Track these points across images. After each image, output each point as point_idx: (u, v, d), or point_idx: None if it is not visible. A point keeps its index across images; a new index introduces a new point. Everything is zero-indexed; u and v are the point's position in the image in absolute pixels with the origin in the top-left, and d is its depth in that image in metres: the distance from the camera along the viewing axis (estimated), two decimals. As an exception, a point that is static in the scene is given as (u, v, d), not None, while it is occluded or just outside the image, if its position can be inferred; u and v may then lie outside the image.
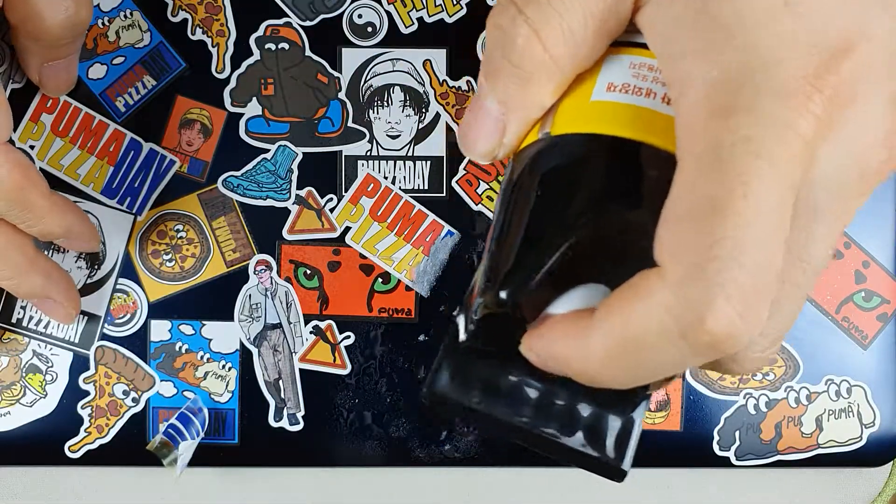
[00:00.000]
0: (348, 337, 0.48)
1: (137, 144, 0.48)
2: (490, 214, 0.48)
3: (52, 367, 0.48)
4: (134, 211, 0.48)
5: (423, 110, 0.48)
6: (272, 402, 0.48)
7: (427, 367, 0.48)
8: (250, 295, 0.48)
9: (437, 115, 0.48)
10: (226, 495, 0.49)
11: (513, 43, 0.28)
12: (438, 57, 0.48)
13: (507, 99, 0.30)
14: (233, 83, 0.48)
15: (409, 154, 0.48)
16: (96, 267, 0.48)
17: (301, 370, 0.48)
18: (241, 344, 0.48)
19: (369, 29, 0.48)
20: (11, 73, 0.47)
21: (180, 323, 0.48)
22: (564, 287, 0.29)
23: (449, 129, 0.48)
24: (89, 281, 0.48)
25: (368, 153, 0.48)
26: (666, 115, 0.28)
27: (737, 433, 0.48)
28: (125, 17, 0.48)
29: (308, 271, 0.48)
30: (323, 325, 0.48)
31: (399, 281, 0.48)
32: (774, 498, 0.50)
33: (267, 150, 0.48)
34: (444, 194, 0.48)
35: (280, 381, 0.48)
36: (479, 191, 0.48)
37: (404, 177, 0.48)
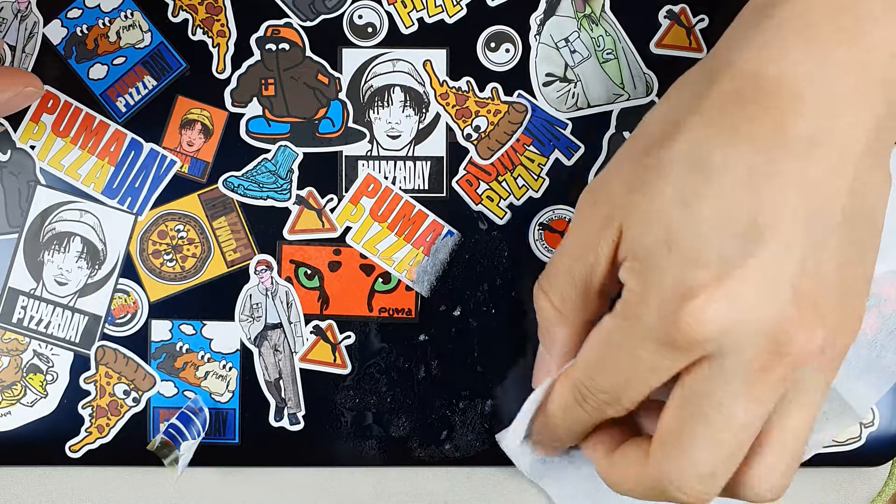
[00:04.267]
0: (349, 337, 0.48)
1: (138, 145, 0.48)
2: (490, 214, 0.48)
3: (52, 366, 0.48)
4: (135, 211, 0.48)
5: (424, 111, 0.48)
6: (273, 402, 0.48)
7: (427, 367, 0.48)
8: (251, 295, 0.48)
9: (438, 116, 0.48)
10: (226, 495, 0.49)
11: (541, 308, 0.43)
12: (438, 57, 0.48)
13: (542, 340, 0.44)
14: (233, 83, 0.48)
15: (410, 154, 0.48)
16: (97, 267, 0.48)
17: (301, 370, 0.48)
18: (242, 344, 0.48)
19: (369, 29, 0.48)
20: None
21: (181, 323, 0.48)
22: None
23: (449, 130, 0.48)
24: (90, 281, 0.48)
25: (369, 153, 0.48)
26: None
27: None
28: (126, 17, 0.48)
29: (308, 271, 0.48)
30: (323, 324, 0.48)
31: (399, 281, 0.48)
32: (774, 497, 0.50)
33: (267, 151, 0.48)
34: (444, 194, 0.48)
35: (280, 381, 0.48)
36: (479, 191, 0.48)
37: (404, 177, 0.48)
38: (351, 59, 0.48)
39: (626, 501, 0.46)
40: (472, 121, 0.48)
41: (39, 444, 0.48)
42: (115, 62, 0.48)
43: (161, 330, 0.48)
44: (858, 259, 0.38)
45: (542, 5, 0.48)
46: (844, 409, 0.47)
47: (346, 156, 0.48)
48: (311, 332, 0.48)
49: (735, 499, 0.40)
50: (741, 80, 0.38)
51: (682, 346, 0.36)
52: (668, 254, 0.36)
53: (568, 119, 0.48)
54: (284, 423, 0.48)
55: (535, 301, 0.43)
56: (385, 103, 0.48)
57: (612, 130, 0.48)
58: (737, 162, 0.36)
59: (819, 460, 0.49)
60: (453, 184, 0.48)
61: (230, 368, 0.48)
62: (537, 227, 0.48)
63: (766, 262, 0.36)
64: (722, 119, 0.37)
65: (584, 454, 0.44)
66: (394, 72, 0.48)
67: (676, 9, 0.48)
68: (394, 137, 0.48)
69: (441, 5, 0.48)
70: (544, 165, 0.48)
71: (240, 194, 0.48)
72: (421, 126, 0.48)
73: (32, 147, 0.48)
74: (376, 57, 0.48)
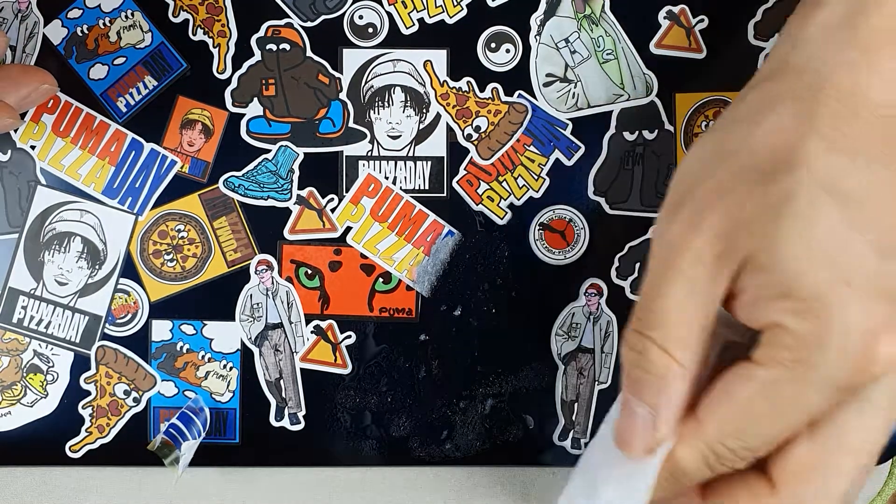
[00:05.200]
0: (349, 336, 0.48)
1: (139, 145, 0.48)
2: (490, 214, 0.48)
3: (52, 366, 0.48)
4: (135, 211, 0.48)
5: (424, 111, 0.48)
6: (273, 402, 0.48)
7: (427, 367, 0.48)
8: (251, 295, 0.48)
9: (438, 116, 0.48)
10: (227, 495, 0.49)
11: (648, 360, 0.36)
12: (439, 57, 0.48)
13: (654, 402, 0.36)
14: (234, 84, 0.48)
15: (410, 154, 0.48)
16: (97, 267, 0.48)
17: (302, 370, 0.48)
18: (243, 344, 0.48)
19: (370, 30, 0.48)
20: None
21: (181, 323, 0.48)
22: None
23: (449, 130, 0.48)
24: (90, 281, 0.48)
25: (369, 153, 0.48)
26: None
27: (637, 264, 0.49)
28: (126, 17, 0.48)
29: (309, 271, 0.48)
30: (324, 324, 0.48)
31: (400, 281, 0.48)
32: (773, 497, 0.50)
33: (268, 151, 0.48)
34: (444, 194, 0.48)
35: (281, 381, 0.48)
36: (480, 191, 0.48)
37: (405, 177, 0.48)
38: (351, 59, 0.48)
39: None
40: (473, 121, 0.48)
41: (40, 444, 0.48)
42: (115, 62, 0.48)
43: (161, 330, 0.48)
44: None
45: (543, 6, 0.48)
46: None
47: (346, 156, 0.48)
48: (312, 332, 0.48)
49: None
50: (841, 95, 0.36)
51: (861, 385, 0.34)
52: (847, 290, 0.34)
53: (568, 119, 0.48)
54: (285, 422, 0.48)
55: (635, 354, 0.37)
56: (385, 103, 0.48)
57: (612, 130, 0.48)
58: (881, 183, 0.34)
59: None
60: (454, 184, 0.48)
61: (231, 368, 0.48)
62: (538, 227, 0.48)
63: None
64: (838, 137, 0.35)
65: None
66: (394, 72, 0.48)
67: (676, 9, 0.48)
68: (394, 137, 0.48)
69: (441, 6, 0.48)
70: (545, 165, 0.48)
71: (240, 194, 0.48)
72: (421, 126, 0.48)
73: (33, 147, 0.48)
74: (377, 57, 0.48)
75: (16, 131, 0.48)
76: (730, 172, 0.36)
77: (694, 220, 0.36)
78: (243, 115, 0.48)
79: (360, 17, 0.48)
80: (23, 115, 0.47)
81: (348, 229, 0.48)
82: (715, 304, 0.36)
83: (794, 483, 0.36)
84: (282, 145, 0.48)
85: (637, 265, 0.48)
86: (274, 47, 0.48)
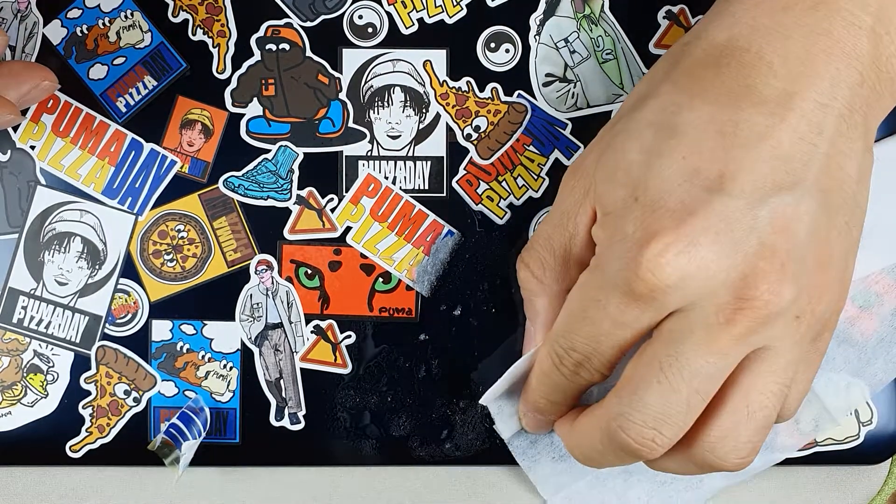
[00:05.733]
0: (349, 336, 0.48)
1: (138, 145, 0.48)
2: (490, 214, 0.48)
3: (53, 367, 0.48)
4: (135, 211, 0.48)
5: (424, 111, 0.48)
6: (273, 402, 0.48)
7: (427, 366, 0.48)
8: (251, 295, 0.48)
9: (438, 116, 0.48)
10: (227, 495, 0.49)
11: (518, 273, 0.44)
12: (438, 57, 0.48)
13: (527, 313, 0.44)
14: (234, 83, 0.48)
15: (410, 154, 0.48)
16: (97, 267, 0.48)
17: (302, 369, 0.48)
18: (243, 343, 0.48)
19: (370, 30, 0.48)
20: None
21: (181, 323, 0.48)
22: None
23: (449, 130, 0.48)
24: (90, 281, 0.48)
25: (369, 153, 0.48)
26: None
27: None
28: (126, 17, 0.48)
29: (309, 271, 0.48)
30: (324, 324, 0.48)
31: (400, 280, 0.48)
32: (773, 496, 0.50)
33: (268, 151, 0.48)
34: (444, 194, 0.48)
35: (281, 381, 0.48)
36: (480, 191, 0.48)
37: (405, 177, 0.48)
38: (351, 59, 0.48)
39: (594, 474, 0.48)
40: (472, 121, 0.48)
41: (40, 444, 0.48)
42: (115, 62, 0.48)
43: (162, 330, 0.48)
44: (837, 229, 0.38)
45: (542, 6, 0.48)
46: (822, 414, 0.48)
47: (346, 156, 0.48)
48: (312, 332, 0.48)
49: (700, 466, 0.39)
50: (710, 49, 0.39)
51: (644, 293, 0.36)
52: (634, 203, 0.37)
53: (568, 119, 0.48)
54: (285, 422, 0.48)
55: (517, 274, 0.44)
56: (385, 103, 0.48)
57: (611, 130, 0.48)
58: (704, 120, 0.37)
59: (818, 458, 0.49)
60: (453, 184, 0.48)
61: (231, 368, 0.48)
62: (537, 227, 0.48)
63: (729, 210, 0.36)
64: (691, 84, 0.38)
65: (555, 431, 0.44)
66: (394, 72, 0.48)
67: (675, 9, 0.49)
68: (394, 137, 0.48)
69: (441, 6, 0.48)
70: (544, 165, 0.48)
71: (240, 194, 0.48)
72: (421, 126, 0.48)
73: (32, 147, 0.48)
74: (376, 57, 0.48)
75: (15, 130, 0.48)
76: (607, 124, 0.42)
77: (575, 165, 0.42)
78: (243, 115, 0.48)
79: (360, 17, 0.48)
80: (24, 112, 0.47)
81: (348, 229, 0.48)
82: (577, 235, 0.41)
83: (614, 395, 0.39)
84: (281, 145, 0.48)
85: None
86: (273, 47, 0.48)
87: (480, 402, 0.45)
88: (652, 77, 0.41)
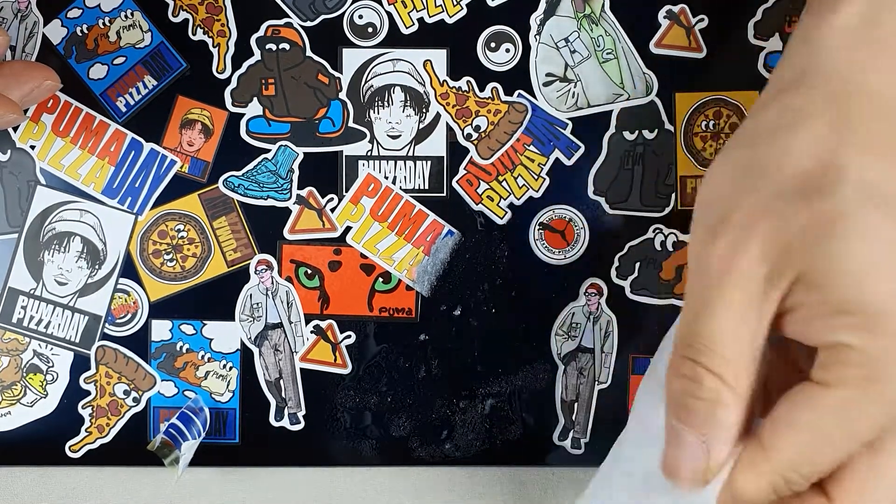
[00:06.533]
0: (349, 336, 0.48)
1: (138, 144, 0.48)
2: (490, 213, 0.48)
3: (52, 366, 0.48)
4: (135, 211, 0.48)
5: (424, 110, 0.48)
6: (273, 402, 0.48)
7: (427, 366, 0.48)
8: (251, 294, 0.48)
9: (438, 116, 0.48)
10: (226, 495, 0.49)
11: (702, 387, 0.35)
12: (439, 57, 0.48)
13: (708, 431, 0.35)
14: (234, 83, 0.48)
15: (410, 154, 0.48)
16: (97, 267, 0.48)
17: (302, 369, 0.48)
18: (242, 343, 0.48)
19: (370, 29, 0.48)
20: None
21: (181, 322, 0.48)
22: None
23: (449, 129, 0.48)
24: (90, 281, 0.48)
25: (369, 153, 0.48)
26: None
27: (637, 264, 0.49)
28: (126, 17, 0.48)
29: (309, 271, 0.48)
30: (324, 324, 0.48)
31: (400, 280, 0.48)
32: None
33: (268, 150, 0.48)
34: (444, 194, 0.48)
35: (281, 381, 0.48)
36: (480, 190, 0.48)
37: (405, 177, 0.48)
38: (351, 58, 0.48)
39: None
40: (473, 120, 0.48)
41: (39, 444, 0.48)
42: (115, 62, 0.48)
43: (161, 330, 0.48)
44: None
45: (542, 5, 0.48)
46: None
47: (346, 156, 0.48)
48: (312, 332, 0.48)
49: None
50: (877, 102, 0.35)
51: None
52: None
53: (568, 119, 0.48)
54: (285, 422, 0.48)
55: (686, 382, 0.36)
56: (385, 103, 0.48)
57: (612, 130, 0.48)
58: None
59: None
60: (453, 183, 0.48)
61: (230, 368, 0.48)
62: (537, 227, 0.48)
63: None
64: (878, 145, 0.34)
65: None
66: (394, 72, 0.48)
67: (676, 9, 0.48)
68: (394, 137, 0.48)
69: (441, 5, 0.48)
70: (544, 165, 0.48)
71: (240, 194, 0.48)
72: (421, 126, 0.48)
73: (32, 147, 0.48)
74: (376, 57, 0.48)
75: (15, 130, 0.48)
76: (770, 190, 0.35)
77: (738, 240, 0.35)
78: (243, 114, 0.48)
79: (360, 17, 0.48)
80: (25, 111, 0.47)
81: (348, 229, 0.48)
82: (766, 327, 0.35)
83: (854, 497, 0.35)
84: (281, 145, 0.48)
85: (637, 265, 0.48)
86: (274, 47, 0.48)
87: None
88: (819, 136, 0.35)
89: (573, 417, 0.49)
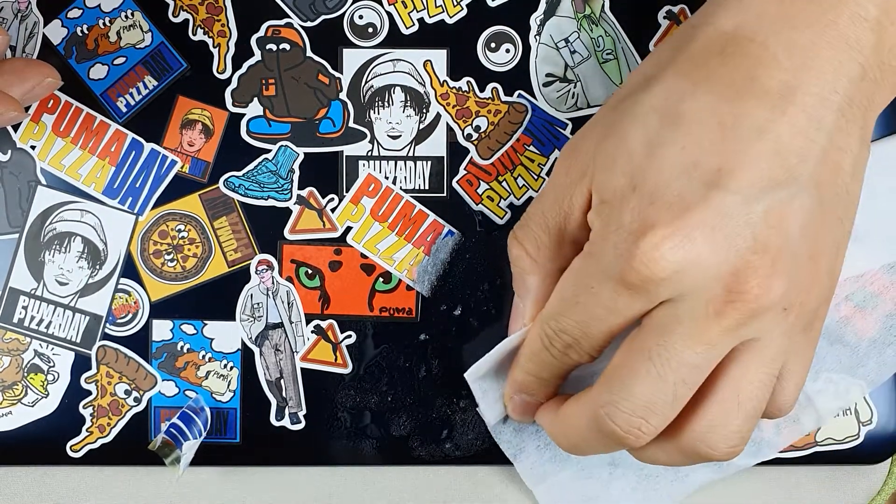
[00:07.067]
0: (349, 336, 0.48)
1: (139, 145, 0.48)
2: (490, 214, 0.48)
3: (53, 366, 0.48)
4: (135, 211, 0.48)
5: (424, 111, 0.48)
6: (274, 402, 0.48)
7: (427, 366, 0.48)
8: (252, 294, 0.48)
9: (438, 116, 0.48)
10: (227, 494, 0.49)
11: (510, 250, 0.44)
12: (439, 57, 0.48)
13: (516, 290, 0.44)
14: (234, 83, 0.48)
15: (410, 154, 0.48)
16: (98, 267, 0.48)
17: (302, 369, 0.48)
18: (243, 343, 0.48)
19: (370, 30, 0.48)
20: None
21: (182, 322, 0.48)
22: None
23: (449, 130, 0.48)
24: (91, 281, 0.48)
25: (369, 153, 0.48)
26: None
27: None
28: (126, 17, 0.48)
29: (309, 271, 0.48)
30: (324, 324, 0.48)
31: (400, 280, 0.48)
32: (773, 496, 0.50)
33: (268, 151, 0.48)
34: (444, 194, 0.48)
35: (281, 381, 0.48)
36: (480, 191, 0.48)
37: (405, 177, 0.48)
38: (351, 59, 0.48)
39: (579, 465, 0.48)
40: (473, 121, 0.48)
41: (40, 444, 0.48)
42: (115, 62, 0.48)
43: (162, 329, 0.48)
44: (829, 223, 0.38)
45: (542, 6, 0.48)
46: (807, 411, 0.48)
47: (346, 156, 0.48)
48: (312, 332, 0.48)
49: (689, 456, 0.40)
50: (717, 36, 0.39)
51: (636, 284, 0.37)
52: (631, 194, 0.37)
53: (568, 119, 0.48)
54: (285, 422, 0.48)
55: (509, 251, 0.44)
56: (385, 103, 0.48)
57: (611, 130, 0.48)
58: (706, 111, 0.37)
59: (818, 458, 0.49)
60: (454, 184, 0.48)
61: (231, 368, 0.48)
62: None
63: (725, 206, 0.36)
64: (695, 71, 0.38)
65: (537, 420, 0.44)
66: (394, 72, 0.48)
67: (676, 9, 0.49)
68: (394, 137, 0.48)
69: (441, 5, 0.48)
70: (544, 165, 0.48)
71: (241, 194, 0.48)
72: (421, 126, 0.48)
73: (33, 147, 0.48)
74: (377, 57, 0.48)
75: (16, 130, 0.48)
76: (606, 103, 0.41)
77: (573, 143, 0.41)
78: (243, 114, 0.48)
79: (360, 17, 0.48)
80: (26, 109, 0.47)
81: (348, 229, 0.48)
82: (572, 215, 0.40)
83: (601, 383, 0.39)
84: (282, 145, 0.48)
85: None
86: (274, 47, 0.48)
87: (465, 375, 0.45)
88: (657, 59, 0.40)
89: (573, 417, 0.49)
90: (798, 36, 0.37)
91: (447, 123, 0.48)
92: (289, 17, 0.48)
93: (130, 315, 0.48)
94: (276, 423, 0.48)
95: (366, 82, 0.48)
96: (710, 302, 0.36)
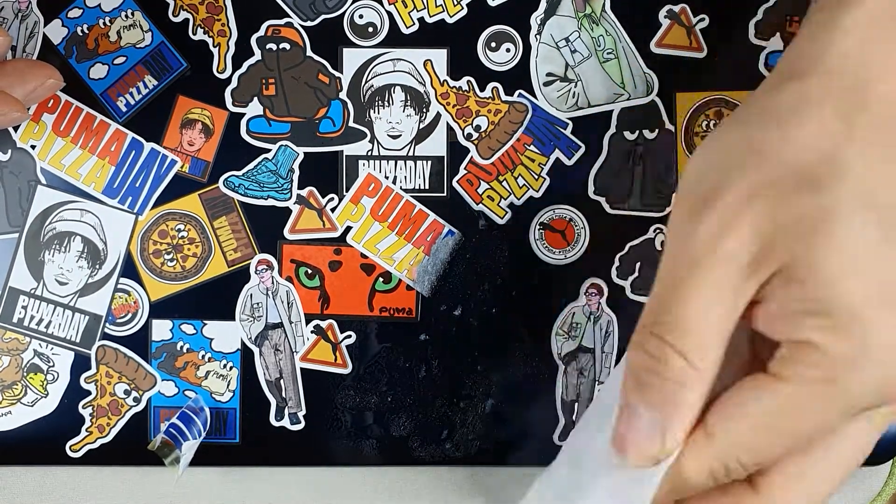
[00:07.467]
0: (349, 336, 0.48)
1: (139, 144, 0.48)
2: (490, 213, 0.48)
3: (53, 366, 0.48)
4: (135, 211, 0.48)
5: (424, 110, 0.48)
6: (273, 402, 0.48)
7: (427, 366, 0.48)
8: (251, 294, 0.48)
9: (438, 115, 0.48)
10: (227, 494, 0.49)
11: (666, 366, 0.34)
12: (439, 57, 0.48)
13: (666, 411, 0.34)
14: (234, 83, 0.48)
15: (410, 154, 0.48)
16: (98, 266, 0.48)
17: (302, 369, 0.48)
18: (243, 343, 0.48)
19: (370, 29, 0.48)
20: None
21: (182, 322, 0.48)
22: None
23: (449, 129, 0.48)
24: (90, 280, 0.48)
25: (369, 153, 0.48)
26: None
27: (637, 264, 0.49)
28: (126, 17, 0.48)
29: (309, 271, 0.48)
30: (324, 324, 0.48)
31: (400, 280, 0.48)
32: (774, 497, 0.50)
33: (268, 150, 0.48)
34: (444, 194, 0.48)
35: (281, 381, 0.48)
36: (480, 190, 0.48)
37: (405, 177, 0.48)
38: (351, 58, 0.48)
39: None
40: (473, 120, 0.48)
41: (40, 444, 0.48)
42: (115, 62, 0.48)
43: (162, 329, 0.48)
44: None
45: (543, 5, 0.48)
46: None
47: (346, 155, 0.48)
48: (312, 332, 0.48)
49: None
50: (890, 106, 0.34)
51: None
52: (888, 313, 0.32)
53: (568, 119, 0.48)
54: (285, 422, 0.48)
55: (648, 358, 0.35)
56: (386, 103, 0.48)
57: (612, 130, 0.48)
58: None
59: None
60: (454, 183, 0.48)
61: (231, 368, 0.48)
62: (538, 227, 0.48)
63: None
64: (887, 150, 0.33)
65: None
66: (394, 71, 0.48)
67: (677, 8, 0.48)
68: (394, 137, 0.48)
69: (441, 5, 0.48)
70: (545, 165, 0.48)
71: (240, 194, 0.48)
72: (421, 126, 0.48)
73: (33, 147, 0.48)
74: (377, 57, 0.48)
75: (16, 130, 0.48)
76: (766, 174, 0.34)
77: (727, 219, 0.33)
78: (243, 114, 0.48)
79: (360, 17, 0.48)
80: (27, 110, 0.47)
81: (348, 229, 0.48)
82: (739, 312, 0.34)
83: (780, 491, 0.36)
84: (282, 145, 0.48)
85: (638, 265, 0.48)
86: (274, 47, 0.48)
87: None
88: (819, 131, 0.34)
89: (573, 417, 0.49)
90: None
91: (447, 123, 0.48)
92: (289, 16, 0.48)
93: (130, 315, 0.48)
94: (275, 424, 0.48)
95: (366, 82, 0.48)
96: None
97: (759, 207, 0.33)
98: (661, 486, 0.35)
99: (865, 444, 0.36)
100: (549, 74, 0.48)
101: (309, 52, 0.48)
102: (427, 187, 0.48)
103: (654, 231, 0.48)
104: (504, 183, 0.48)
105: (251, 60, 0.48)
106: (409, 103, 0.48)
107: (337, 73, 0.48)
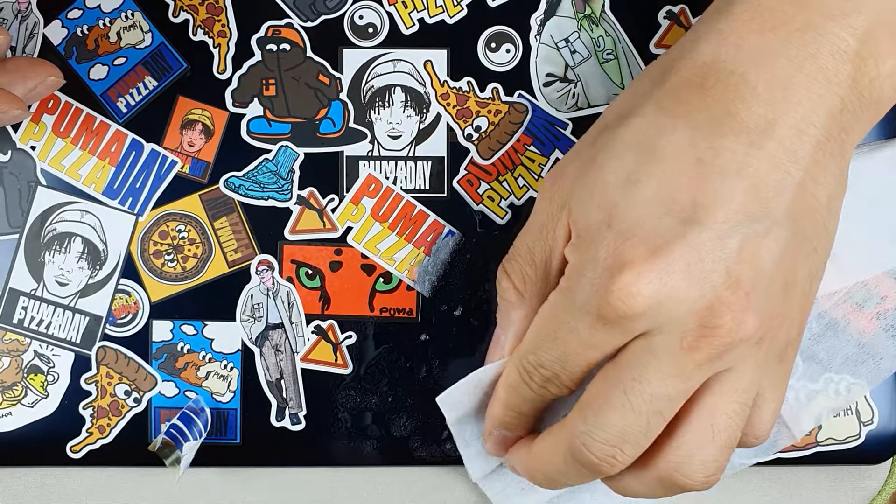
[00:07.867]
0: (350, 336, 0.48)
1: (139, 145, 0.48)
2: (490, 214, 0.48)
3: (53, 367, 0.48)
4: (136, 211, 0.48)
5: (424, 111, 0.48)
6: (274, 402, 0.48)
7: (428, 367, 0.48)
8: (252, 295, 0.48)
9: (438, 116, 0.48)
10: (227, 495, 0.49)
11: (499, 283, 0.43)
12: (439, 58, 0.48)
13: (500, 321, 0.44)
14: (234, 84, 0.48)
15: (411, 154, 0.48)
16: (98, 267, 0.48)
17: (303, 370, 0.48)
18: (243, 344, 0.48)
19: (370, 30, 0.48)
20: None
21: (182, 323, 0.48)
22: None
23: (449, 130, 0.48)
24: (91, 281, 0.48)
25: (370, 153, 0.48)
26: None
27: None
28: (126, 17, 0.48)
29: (310, 271, 0.48)
30: (325, 324, 0.48)
31: (400, 281, 0.48)
32: (773, 496, 0.50)
33: (268, 151, 0.48)
34: (445, 194, 0.48)
35: (282, 381, 0.48)
36: (480, 191, 0.48)
37: (405, 177, 0.48)
38: (352, 59, 0.48)
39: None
40: (473, 121, 0.48)
41: (40, 445, 0.48)
42: (115, 63, 0.48)
43: (162, 330, 0.48)
44: (803, 255, 0.38)
45: (543, 6, 0.48)
46: (807, 411, 0.47)
47: (347, 156, 0.48)
48: (313, 332, 0.48)
49: (666, 486, 0.40)
50: (695, 69, 0.39)
51: (613, 320, 0.37)
52: (607, 230, 0.37)
53: (568, 119, 0.48)
54: (286, 422, 0.48)
55: (497, 283, 0.43)
56: (386, 103, 0.48)
57: (612, 130, 0.48)
58: (685, 147, 0.37)
59: (818, 458, 0.49)
60: (454, 184, 0.48)
61: (231, 368, 0.48)
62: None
63: (701, 242, 0.36)
64: (673, 105, 0.38)
65: (509, 460, 0.44)
66: (394, 72, 0.48)
67: (676, 9, 0.49)
68: (395, 137, 0.48)
69: (442, 6, 0.48)
70: (545, 165, 0.48)
71: (241, 194, 0.48)
72: (422, 126, 0.48)
73: (33, 147, 0.48)
74: (377, 57, 0.48)
75: (16, 130, 0.48)
76: (586, 135, 0.41)
77: (554, 174, 0.41)
78: (244, 115, 0.48)
79: (361, 18, 0.48)
80: (28, 108, 0.47)
81: (349, 229, 0.48)
82: (556, 248, 0.40)
83: (575, 413, 0.39)
84: (282, 145, 0.48)
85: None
86: (274, 47, 0.48)
87: (437, 400, 0.44)
88: (635, 91, 0.40)
89: (574, 417, 0.49)
90: (778, 68, 0.37)
91: (447, 123, 0.48)
92: (289, 17, 0.48)
93: (130, 315, 0.48)
94: (276, 424, 0.48)
95: (366, 82, 0.48)
96: (684, 336, 0.37)
97: (574, 156, 0.41)
98: (502, 387, 0.43)
99: (660, 376, 0.38)
100: (548, 75, 0.48)
101: (309, 53, 0.48)
102: (427, 188, 0.48)
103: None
104: (504, 183, 0.48)
105: (251, 61, 0.48)
106: (409, 104, 0.48)
107: (337, 74, 0.48)
